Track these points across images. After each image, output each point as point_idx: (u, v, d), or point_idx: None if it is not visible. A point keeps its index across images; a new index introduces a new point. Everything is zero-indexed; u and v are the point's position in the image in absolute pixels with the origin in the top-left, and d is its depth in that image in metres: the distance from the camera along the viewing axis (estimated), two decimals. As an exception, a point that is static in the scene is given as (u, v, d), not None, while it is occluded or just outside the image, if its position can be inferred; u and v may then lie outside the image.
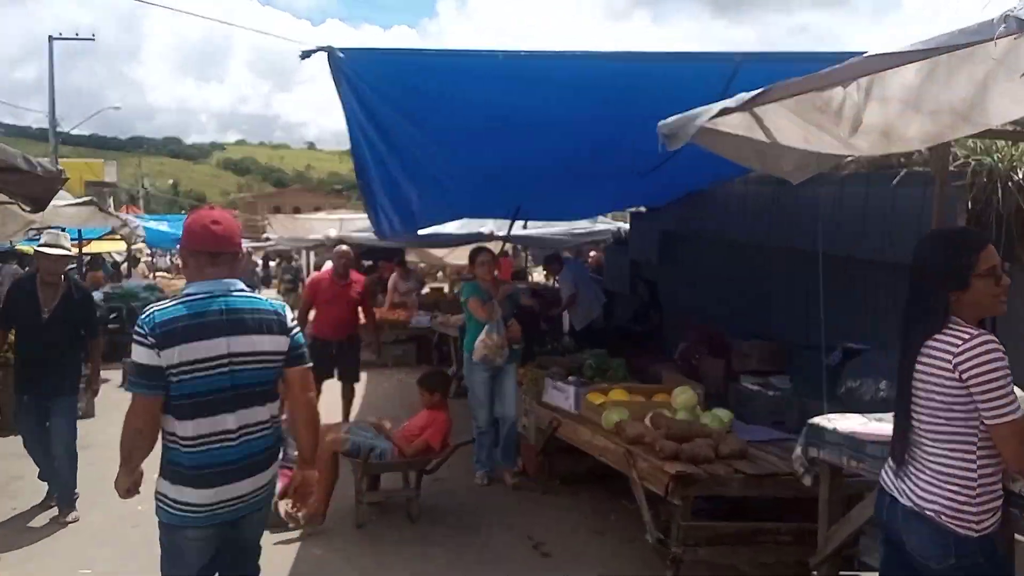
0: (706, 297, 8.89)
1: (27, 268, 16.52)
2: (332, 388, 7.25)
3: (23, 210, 7.34)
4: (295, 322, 2.87)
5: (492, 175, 5.38)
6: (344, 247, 7.41)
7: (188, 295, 2.66)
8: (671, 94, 3.84)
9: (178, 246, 3.59)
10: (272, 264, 35.93)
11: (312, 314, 7.26)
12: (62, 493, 5.27)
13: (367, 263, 17.01)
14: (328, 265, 25.83)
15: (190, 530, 2.63)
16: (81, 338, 5.43)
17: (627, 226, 14.00)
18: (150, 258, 22.52)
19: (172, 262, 29.99)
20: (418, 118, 4.16)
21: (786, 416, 5.45)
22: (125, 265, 18.69)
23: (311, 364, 2.91)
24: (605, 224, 13.95)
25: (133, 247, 16.44)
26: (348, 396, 7.60)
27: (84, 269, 14.80)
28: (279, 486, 5.05)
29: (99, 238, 14.72)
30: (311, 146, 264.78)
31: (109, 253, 22.77)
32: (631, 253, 10.82)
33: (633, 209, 10.89)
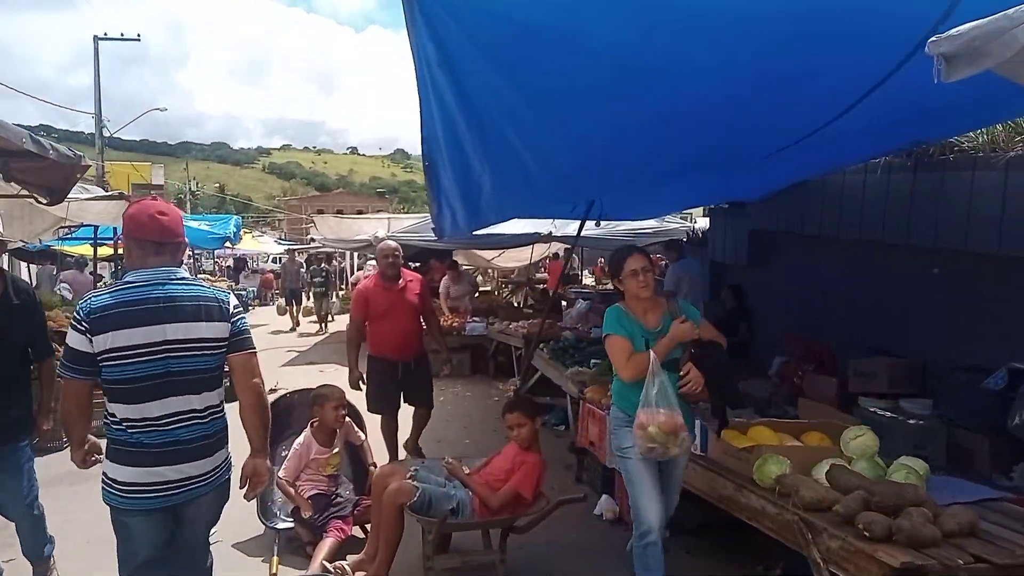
0: (808, 305, 7.76)
1: (62, 270, 16.10)
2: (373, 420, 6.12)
3: (39, 202, 6.55)
4: (239, 309, 2.87)
5: (591, 156, 4.32)
6: (390, 243, 6.06)
7: (127, 283, 2.69)
8: (851, 37, 2.80)
9: (123, 236, 3.23)
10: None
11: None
12: (31, 558, 4.05)
13: (414, 265, 16.14)
14: (369, 268, 24.84)
15: (131, 513, 2.70)
16: (26, 359, 3.89)
17: (701, 224, 12.92)
18: (190, 259, 21.90)
19: (216, 264, 29.46)
20: (514, 70, 3.13)
21: (931, 451, 4.35)
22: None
23: (255, 350, 2.90)
24: (675, 223, 12.83)
25: None
26: (420, 423, 6.23)
27: (123, 271, 14.19)
28: (329, 543, 4.15)
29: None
30: (353, 151, 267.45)
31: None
32: (712, 254, 9.70)
33: (712, 206, 9.86)
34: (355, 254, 23.21)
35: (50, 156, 5.19)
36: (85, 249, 13.43)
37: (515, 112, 3.63)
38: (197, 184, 61.46)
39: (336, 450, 4.39)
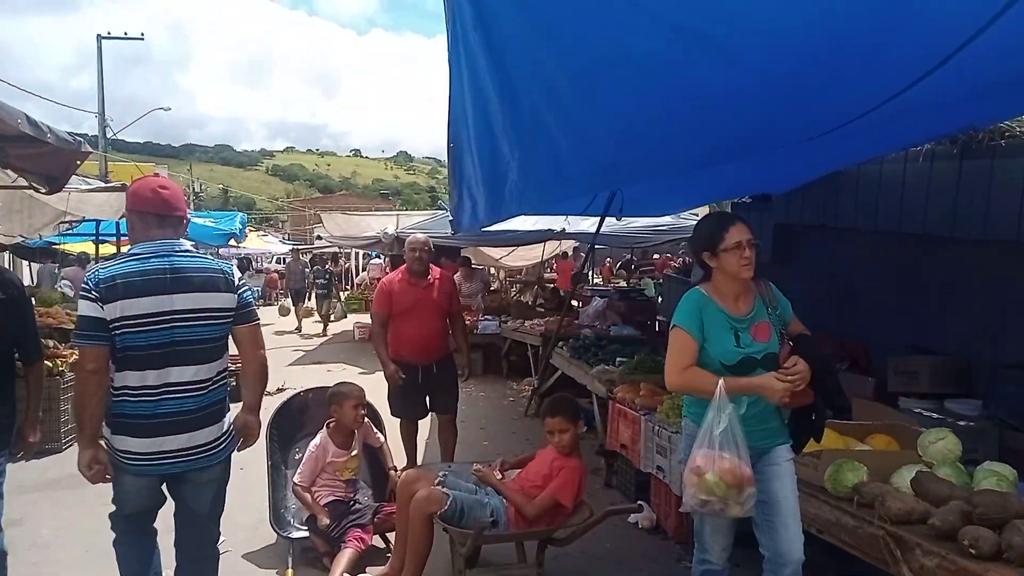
0: (837, 302, 7.45)
1: (64, 266, 15.79)
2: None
3: (38, 191, 6.24)
4: (243, 280, 2.94)
5: (627, 138, 3.97)
6: (419, 236, 5.65)
7: (134, 254, 2.71)
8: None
9: (126, 212, 3.04)
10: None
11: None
12: None
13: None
14: (374, 266, 24.44)
15: (129, 476, 2.72)
16: (10, 362, 3.40)
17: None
18: None
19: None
20: (558, 32, 2.80)
21: (982, 454, 4.04)
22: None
23: (259, 321, 2.98)
24: (690, 219, 12.51)
25: None
26: (450, 439, 5.59)
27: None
28: (348, 554, 3.82)
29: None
30: (356, 153, 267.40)
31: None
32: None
33: (734, 200, 9.53)
34: (361, 254, 22.96)
35: (48, 140, 4.89)
36: (87, 246, 13.12)
37: (553, 83, 3.31)
38: (201, 186, 61.25)
39: (354, 453, 4.07)
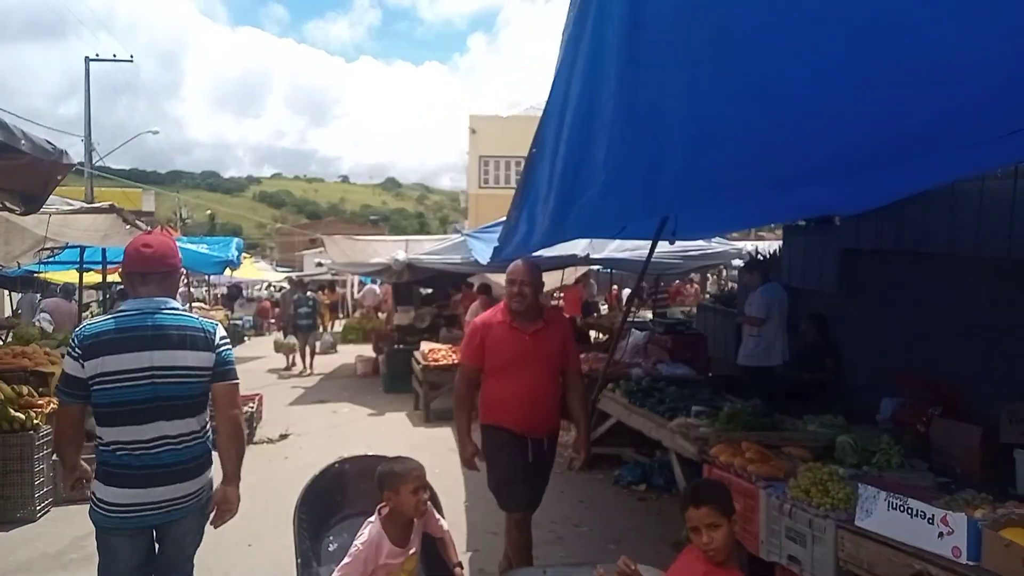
0: (920, 337, 6.60)
1: (45, 296, 14.76)
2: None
3: (13, 212, 5.32)
4: (225, 340, 2.98)
5: (768, 140, 3.15)
6: (521, 264, 4.33)
7: (120, 311, 2.88)
8: None
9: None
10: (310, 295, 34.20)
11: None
12: None
13: (426, 291, 14.87)
14: (368, 292, 23.28)
15: (115, 532, 2.80)
16: None
17: (767, 245, 11.66)
18: (185, 287, 20.51)
19: (209, 292, 27.89)
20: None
21: None
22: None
23: (238, 381, 3.04)
24: (720, 245, 11.65)
25: None
26: (528, 539, 4.28)
27: (112, 299, 12.83)
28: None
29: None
30: (345, 179, 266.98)
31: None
32: (787, 279, 8.51)
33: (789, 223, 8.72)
34: (357, 280, 21.96)
35: (23, 149, 3.98)
36: (71, 275, 12.12)
37: (695, 69, 2.47)
38: (188, 212, 60.20)
39: (413, 551, 3.08)
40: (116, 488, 2.78)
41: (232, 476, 2.99)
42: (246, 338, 21.36)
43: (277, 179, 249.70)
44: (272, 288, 38.70)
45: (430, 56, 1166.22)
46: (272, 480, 6.48)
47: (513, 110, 42.51)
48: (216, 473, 3.07)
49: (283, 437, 8.47)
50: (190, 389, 2.87)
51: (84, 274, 9.91)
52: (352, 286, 23.29)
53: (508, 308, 4.23)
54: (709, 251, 11.41)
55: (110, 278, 10.89)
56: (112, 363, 2.74)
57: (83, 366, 2.74)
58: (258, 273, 28.12)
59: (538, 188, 4.03)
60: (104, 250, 9.07)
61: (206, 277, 25.04)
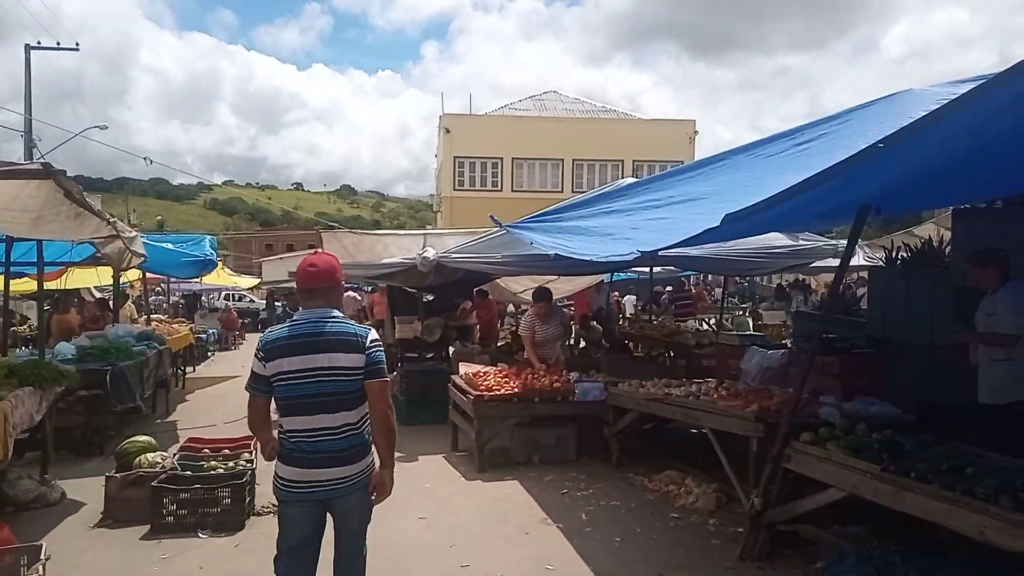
0: None
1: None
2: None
3: None
4: (375, 343, 3.35)
5: None
6: None
7: (293, 320, 3.40)
8: None
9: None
10: (279, 304, 31.18)
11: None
12: None
13: (428, 298, 12.52)
14: (348, 300, 20.59)
15: (290, 504, 3.34)
16: None
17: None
18: (139, 294, 17.51)
19: (178, 301, 24.52)
20: None
21: None
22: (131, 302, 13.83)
23: (387, 378, 3.41)
24: (811, 240, 9.55)
25: (125, 278, 11.57)
26: None
27: (50, 312, 10.25)
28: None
29: (83, 262, 10.02)
30: (298, 187, 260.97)
31: (89, 289, 18.07)
32: (957, 277, 6.40)
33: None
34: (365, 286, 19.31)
35: None
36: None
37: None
38: (136, 219, 56.60)
39: None
40: (290, 467, 3.30)
41: (386, 461, 3.40)
42: (210, 354, 18.70)
43: (228, 186, 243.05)
44: (247, 298, 35.71)
45: (384, 64, 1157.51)
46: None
47: (486, 109, 40.36)
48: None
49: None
50: (346, 386, 3.28)
51: (12, 279, 7.35)
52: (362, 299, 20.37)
53: None
54: (799, 247, 9.34)
55: (49, 284, 8.31)
56: (286, 364, 3.26)
57: (265, 366, 3.29)
58: (229, 279, 25.12)
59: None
60: (40, 243, 6.59)
61: (161, 285, 22.18)
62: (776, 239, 9.33)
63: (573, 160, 36.47)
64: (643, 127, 37.30)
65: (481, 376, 7.70)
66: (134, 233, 7.31)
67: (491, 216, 7.88)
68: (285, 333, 3.32)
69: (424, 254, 8.27)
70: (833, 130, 5.17)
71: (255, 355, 3.34)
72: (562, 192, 34.20)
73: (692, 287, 19.44)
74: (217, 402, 11.48)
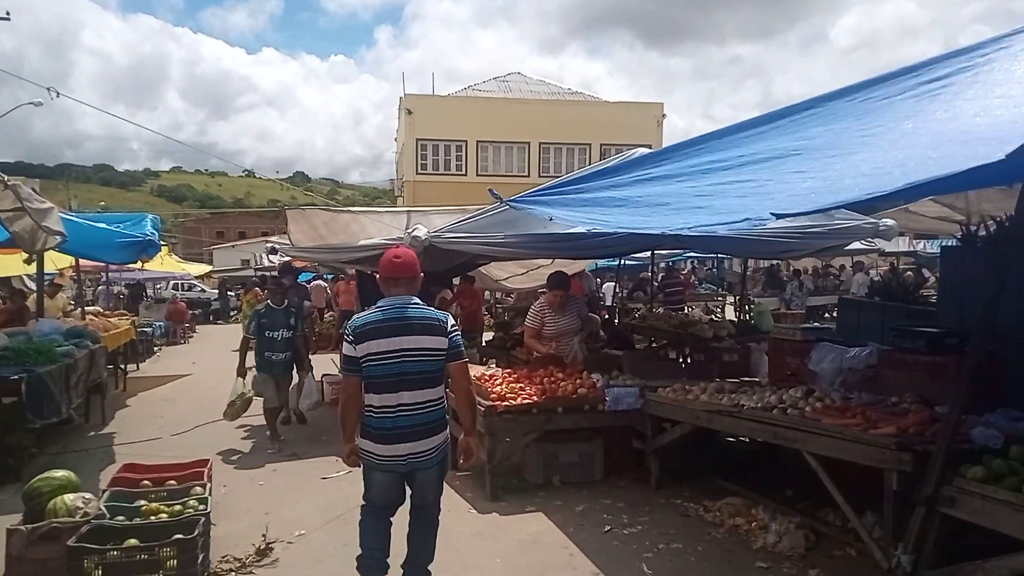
0: None
1: None
2: None
3: None
4: (455, 328, 3.74)
5: None
6: None
7: (379, 307, 3.69)
8: None
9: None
10: (231, 295, 29.24)
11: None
12: None
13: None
14: (314, 289, 18.90)
15: (375, 472, 3.69)
16: None
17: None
18: (74, 282, 15.59)
19: (119, 291, 22.23)
20: None
21: None
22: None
23: (467, 360, 3.87)
24: (847, 218, 8.39)
25: (53, 266, 9.75)
26: None
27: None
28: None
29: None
30: (250, 174, 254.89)
31: (21, 277, 16.17)
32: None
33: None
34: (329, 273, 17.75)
35: None
36: None
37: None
38: (78, 206, 53.68)
39: None
40: (374, 443, 3.63)
41: (470, 429, 3.85)
42: (157, 349, 16.97)
43: (176, 173, 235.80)
44: (198, 287, 33.52)
45: (336, 49, 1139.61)
46: None
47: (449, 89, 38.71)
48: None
49: (264, 553, 4.69)
50: (428, 366, 3.63)
51: None
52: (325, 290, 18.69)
53: None
54: (838, 226, 8.19)
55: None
56: (374, 346, 3.57)
57: (355, 348, 3.59)
58: (176, 266, 23.06)
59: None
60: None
61: (103, 274, 20.27)
62: (806, 219, 8.20)
63: (540, 144, 35.19)
64: (610, 110, 36.13)
65: (488, 380, 6.36)
66: (47, 205, 5.78)
67: (490, 190, 6.51)
68: (375, 317, 3.63)
69: (415, 233, 6.88)
70: (974, 66, 4.00)
71: (344, 339, 3.68)
72: (529, 176, 32.89)
73: (681, 273, 18.25)
74: (164, 407, 9.92)
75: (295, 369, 8.15)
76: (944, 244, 8.14)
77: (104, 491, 4.86)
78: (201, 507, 4.54)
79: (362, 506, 3.80)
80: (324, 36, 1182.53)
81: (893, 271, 18.05)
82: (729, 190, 4.57)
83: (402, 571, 3.86)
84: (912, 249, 18.15)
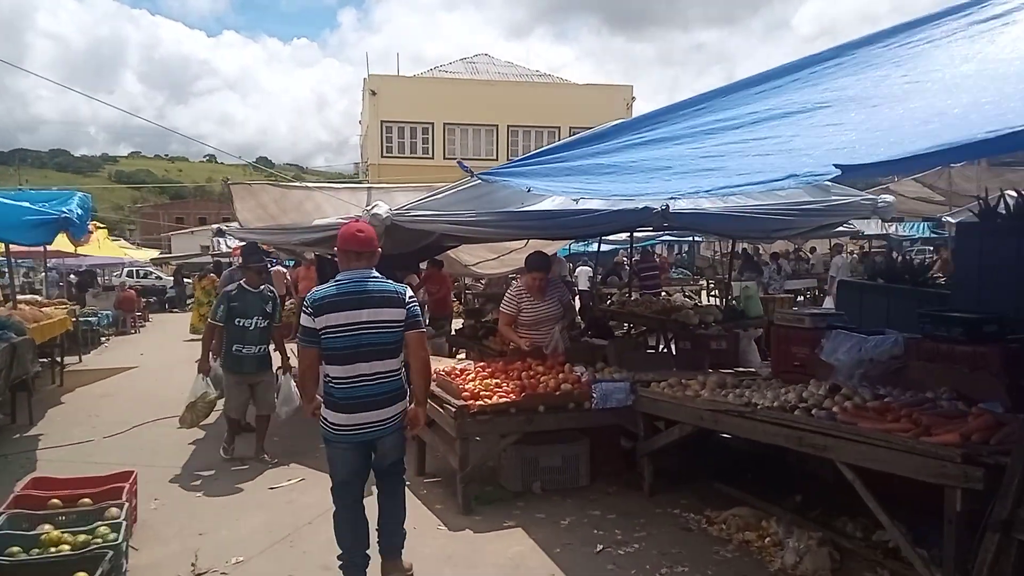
0: None
1: None
2: None
3: None
4: (412, 298, 3.82)
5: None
6: None
7: (337, 280, 3.76)
8: None
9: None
10: (188, 282, 28.06)
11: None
12: None
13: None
14: (277, 273, 17.90)
15: (338, 444, 3.76)
16: None
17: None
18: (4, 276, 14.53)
19: (61, 278, 20.87)
20: None
21: None
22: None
23: (424, 329, 3.92)
24: (844, 193, 7.77)
25: None
26: None
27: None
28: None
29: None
30: (211, 159, 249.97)
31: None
32: None
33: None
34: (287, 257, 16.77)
35: None
36: None
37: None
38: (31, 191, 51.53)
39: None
40: (335, 412, 3.72)
41: (421, 400, 3.92)
42: (104, 340, 15.94)
43: (135, 158, 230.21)
44: (153, 275, 32.16)
45: (299, 32, 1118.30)
46: None
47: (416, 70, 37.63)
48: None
49: (194, 584, 3.93)
50: (387, 338, 3.72)
51: None
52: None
53: None
54: (834, 203, 7.59)
55: None
56: (332, 319, 3.64)
57: (314, 320, 3.65)
58: (119, 251, 21.85)
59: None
60: None
61: (51, 260, 19.04)
62: (802, 195, 7.57)
63: (508, 126, 34.39)
64: (579, 92, 35.40)
65: (460, 376, 5.62)
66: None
67: (459, 162, 5.72)
68: (333, 290, 3.71)
69: (374, 210, 6.09)
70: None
71: (303, 311, 3.74)
72: (497, 160, 31.95)
73: (657, 257, 17.66)
74: (101, 405, 9.02)
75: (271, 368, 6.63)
76: (960, 221, 7.54)
77: (0, 514, 4.06)
78: (112, 536, 3.75)
79: (332, 490, 3.84)
80: (286, 19, 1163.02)
81: (866, 253, 17.63)
82: (746, 149, 3.86)
83: (377, 532, 3.93)
84: (884, 232, 17.75)
